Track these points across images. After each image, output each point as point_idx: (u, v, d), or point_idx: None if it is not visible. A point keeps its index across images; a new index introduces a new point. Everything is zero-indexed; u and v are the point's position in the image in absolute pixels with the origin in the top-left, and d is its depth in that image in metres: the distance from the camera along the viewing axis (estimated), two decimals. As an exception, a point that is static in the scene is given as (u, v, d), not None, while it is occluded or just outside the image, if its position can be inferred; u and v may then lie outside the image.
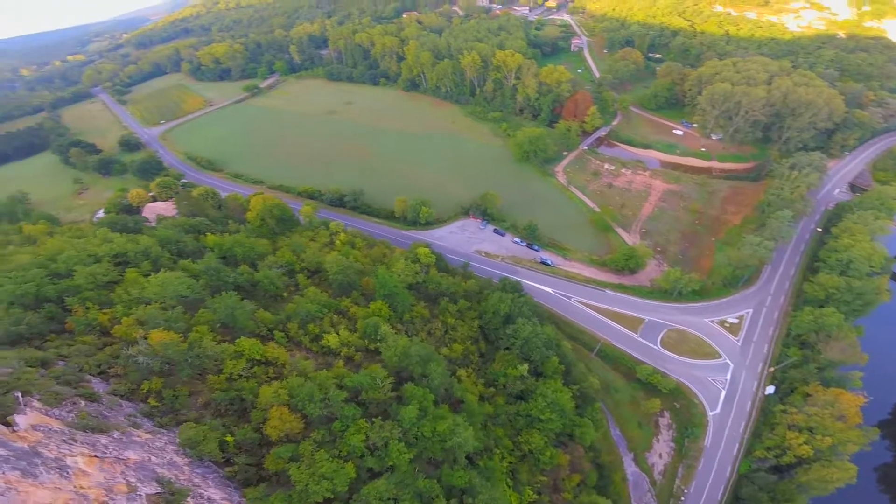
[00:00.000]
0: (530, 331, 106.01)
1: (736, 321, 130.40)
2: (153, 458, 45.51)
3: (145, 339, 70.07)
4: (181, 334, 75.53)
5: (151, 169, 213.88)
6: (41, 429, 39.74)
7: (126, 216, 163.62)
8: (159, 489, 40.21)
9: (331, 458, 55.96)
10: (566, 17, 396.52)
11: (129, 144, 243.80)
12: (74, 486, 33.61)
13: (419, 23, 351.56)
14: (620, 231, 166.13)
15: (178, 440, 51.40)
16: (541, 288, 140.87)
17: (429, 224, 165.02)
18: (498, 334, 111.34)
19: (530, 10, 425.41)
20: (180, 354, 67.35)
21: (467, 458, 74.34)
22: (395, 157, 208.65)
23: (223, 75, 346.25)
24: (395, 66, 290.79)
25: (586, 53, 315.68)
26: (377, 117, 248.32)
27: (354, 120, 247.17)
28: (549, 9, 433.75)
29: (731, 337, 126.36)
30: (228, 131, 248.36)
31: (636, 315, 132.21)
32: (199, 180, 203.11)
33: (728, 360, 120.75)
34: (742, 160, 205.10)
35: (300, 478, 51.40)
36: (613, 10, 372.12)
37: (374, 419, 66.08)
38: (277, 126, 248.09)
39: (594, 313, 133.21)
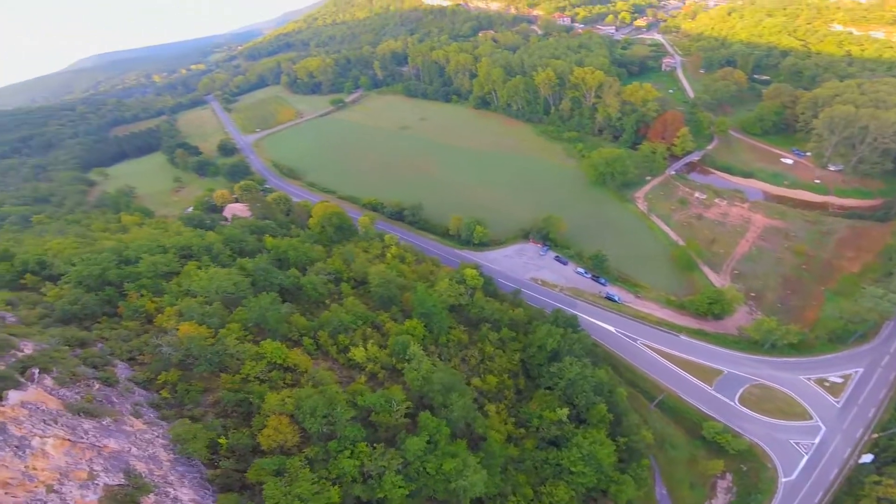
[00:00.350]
0: (577, 372, 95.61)
1: (840, 381, 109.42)
2: (134, 449, 45.40)
3: (175, 330, 72.92)
4: (213, 330, 77.84)
5: (239, 173, 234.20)
6: (28, 406, 41.01)
7: (206, 214, 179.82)
8: (123, 481, 39.46)
9: (317, 479, 52.47)
10: (657, 37, 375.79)
11: (226, 149, 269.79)
12: (25, 467, 33.55)
13: (494, 41, 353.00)
14: (707, 270, 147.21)
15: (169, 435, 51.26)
16: (602, 325, 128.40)
17: (483, 245, 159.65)
18: (541, 371, 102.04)
19: (617, 30, 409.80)
20: (201, 349, 68.74)
21: (477, 501, 66.90)
22: (460, 175, 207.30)
23: (315, 89, 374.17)
24: (467, 83, 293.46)
25: (679, 73, 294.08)
26: (447, 134, 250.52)
27: (425, 136, 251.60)
28: (639, 28, 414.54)
29: (831, 398, 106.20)
30: (311, 143, 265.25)
31: (713, 366, 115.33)
32: (279, 186, 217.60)
33: (820, 423, 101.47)
34: (866, 196, 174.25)
35: (272, 494, 48.33)
36: (712, 29, 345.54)
37: (376, 445, 61.75)
38: (354, 139, 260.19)
39: (662, 359, 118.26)
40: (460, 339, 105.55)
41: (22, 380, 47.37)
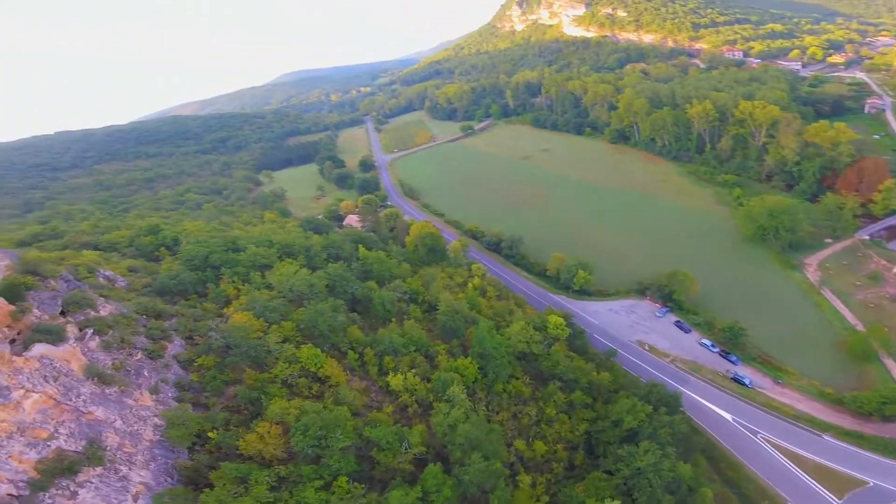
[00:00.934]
0: (651, 462, 76.99)
1: None
2: (120, 422, 48.39)
3: (229, 317, 78.73)
4: (268, 325, 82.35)
5: (369, 187, 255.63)
6: (44, 360, 46.58)
7: (331, 221, 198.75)
8: (81, 449, 41.78)
9: (271, 501, 49.33)
10: (860, 76, 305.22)
11: (365, 165, 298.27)
12: (-16, 414, 37.27)
13: (644, 73, 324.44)
14: (891, 364, 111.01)
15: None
16: (715, 410, 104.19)
17: (585, 293, 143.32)
18: (607, 450, 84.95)
19: (804, 66, 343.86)
20: (241, 339, 72.51)
21: None
22: (575, 211, 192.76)
23: (451, 115, 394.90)
24: (604, 115, 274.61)
25: (889, 116, 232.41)
26: (570, 166, 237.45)
27: (545, 167, 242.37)
28: (834, 65, 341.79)
29: None
30: (435, 166, 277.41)
31: (856, 475, 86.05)
32: (397, 203, 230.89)
33: None
34: None
35: (206, 501, 46.34)
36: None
37: (359, 484, 56.39)
38: (475, 166, 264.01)
39: (785, 460, 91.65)
40: (520, 391, 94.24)
41: (69, 336, 54.59)
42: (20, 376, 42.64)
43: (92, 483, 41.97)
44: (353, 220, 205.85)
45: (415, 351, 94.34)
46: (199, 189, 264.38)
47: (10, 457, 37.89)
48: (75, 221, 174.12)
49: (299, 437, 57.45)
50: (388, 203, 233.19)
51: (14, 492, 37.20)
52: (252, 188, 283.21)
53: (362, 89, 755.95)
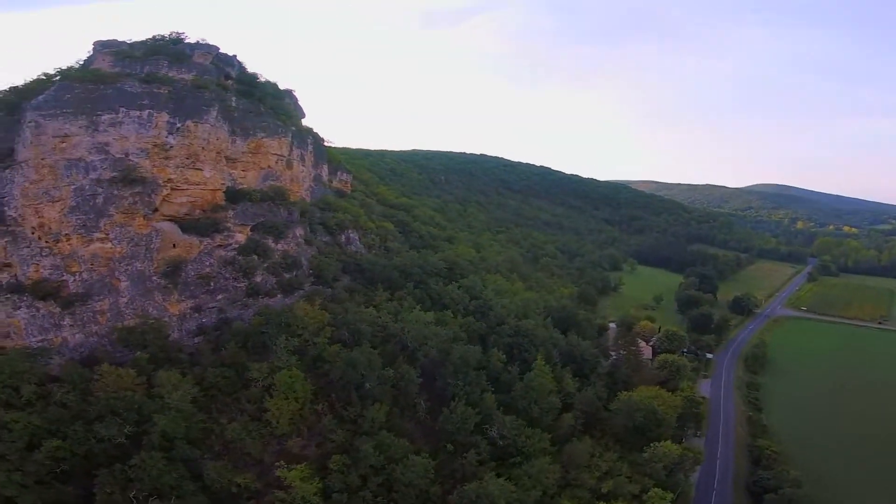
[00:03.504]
0: None
1: None
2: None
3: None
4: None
5: (704, 326, 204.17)
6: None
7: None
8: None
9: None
10: None
11: (739, 305, 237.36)
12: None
13: None
14: None
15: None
16: None
17: None
18: None
19: None
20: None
21: None
22: None
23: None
24: None
25: None
26: None
27: None
28: None
29: None
30: (837, 365, 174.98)
31: None
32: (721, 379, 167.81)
33: None
34: None
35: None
36: None
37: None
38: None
39: None
40: None
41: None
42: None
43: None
44: (642, 345, 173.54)
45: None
46: (559, 243, 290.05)
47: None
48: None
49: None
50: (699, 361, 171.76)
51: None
52: (604, 270, 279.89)
53: (846, 228, 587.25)
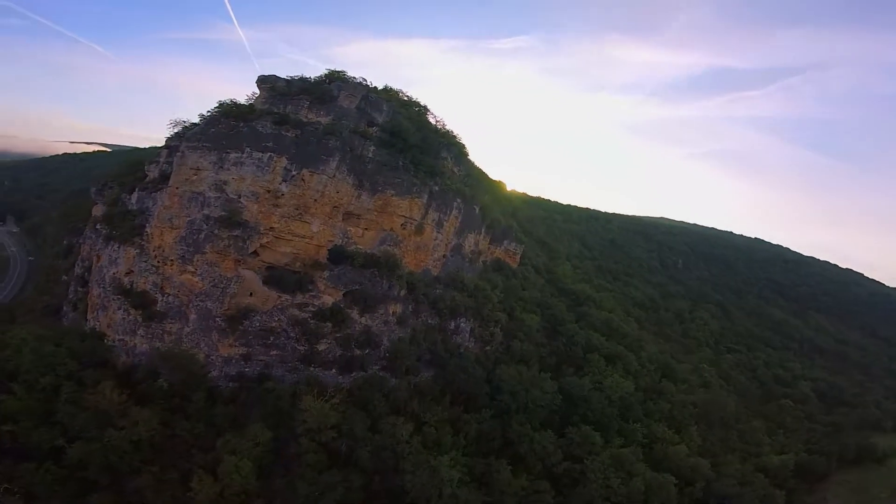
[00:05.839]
0: None
1: None
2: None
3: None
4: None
5: None
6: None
7: None
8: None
9: None
10: None
11: None
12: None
13: None
14: None
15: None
16: None
17: None
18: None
19: None
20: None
21: None
22: None
23: None
24: None
25: None
26: None
27: None
28: None
29: None
30: None
31: None
32: None
33: None
34: None
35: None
36: None
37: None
38: None
39: None
40: None
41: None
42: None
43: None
44: None
45: None
46: (824, 381, 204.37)
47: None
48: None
49: None
50: None
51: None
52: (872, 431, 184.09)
53: None
